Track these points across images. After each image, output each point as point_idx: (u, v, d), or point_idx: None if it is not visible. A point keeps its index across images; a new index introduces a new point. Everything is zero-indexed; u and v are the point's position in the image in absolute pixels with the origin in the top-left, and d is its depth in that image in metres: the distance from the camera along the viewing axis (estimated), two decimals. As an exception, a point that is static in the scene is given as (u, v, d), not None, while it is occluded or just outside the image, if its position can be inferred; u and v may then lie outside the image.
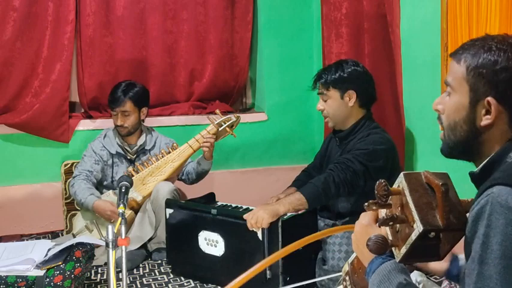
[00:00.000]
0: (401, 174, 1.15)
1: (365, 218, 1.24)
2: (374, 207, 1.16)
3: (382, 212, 1.20)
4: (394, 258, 1.15)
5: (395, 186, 1.16)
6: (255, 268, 1.29)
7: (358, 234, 1.24)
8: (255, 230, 2.32)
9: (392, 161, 2.45)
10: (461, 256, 1.32)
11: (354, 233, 1.27)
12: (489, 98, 1.08)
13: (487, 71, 1.08)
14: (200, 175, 3.16)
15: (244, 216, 2.33)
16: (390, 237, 1.16)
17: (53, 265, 2.25)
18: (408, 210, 1.08)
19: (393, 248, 1.14)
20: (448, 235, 1.08)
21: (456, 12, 2.35)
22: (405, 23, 2.74)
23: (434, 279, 2.49)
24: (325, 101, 2.53)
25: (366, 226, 1.22)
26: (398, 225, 1.13)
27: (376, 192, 1.13)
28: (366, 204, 1.16)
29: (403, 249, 1.09)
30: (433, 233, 1.05)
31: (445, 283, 2.07)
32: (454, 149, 1.17)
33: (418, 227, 1.04)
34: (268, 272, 2.35)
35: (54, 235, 3.37)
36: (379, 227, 1.19)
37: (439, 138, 1.22)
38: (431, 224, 1.05)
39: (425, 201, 1.08)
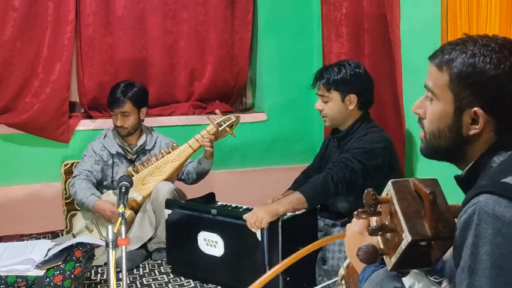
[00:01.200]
0: (390, 182, 1.14)
1: (357, 224, 1.24)
2: (363, 216, 1.16)
3: (373, 219, 1.20)
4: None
5: (383, 194, 1.15)
6: (271, 272, 1.32)
7: (351, 240, 1.24)
8: (254, 230, 2.32)
9: (390, 159, 2.45)
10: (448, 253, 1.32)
11: (346, 239, 1.27)
12: (476, 109, 1.05)
13: (473, 80, 1.05)
14: (200, 175, 3.16)
15: (244, 216, 2.33)
16: (381, 245, 1.15)
17: (53, 265, 2.25)
18: (397, 219, 1.08)
19: (384, 257, 1.14)
20: (438, 243, 1.07)
21: (456, 12, 2.35)
22: (405, 23, 2.74)
23: (434, 279, 2.49)
24: (325, 102, 2.52)
25: (358, 233, 1.22)
26: (388, 234, 1.13)
27: (364, 201, 1.12)
28: (355, 212, 1.16)
29: (394, 258, 1.09)
30: (423, 242, 1.05)
31: (445, 283, 2.07)
32: (435, 153, 1.16)
33: (406, 237, 1.04)
34: (268, 272, 2.34)
35: (54, 235, 3.37)
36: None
37: (419, 137, 1.20)
38: (420, 234, 1.04)
39: (413, 210, 1.07)
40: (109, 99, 3.10)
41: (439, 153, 1.15)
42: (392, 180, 1.14)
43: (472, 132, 1.08)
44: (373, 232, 1.11)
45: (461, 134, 1.09)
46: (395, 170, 2.49)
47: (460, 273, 0.98)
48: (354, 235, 1.23)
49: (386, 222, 1.11)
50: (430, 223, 1.04)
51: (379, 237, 1.17)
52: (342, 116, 2.52)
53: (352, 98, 2.48)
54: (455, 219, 1.06)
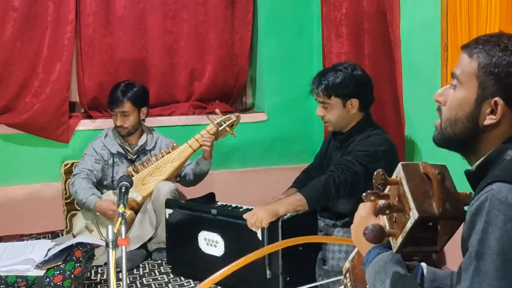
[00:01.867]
0: (400, 164, 1.16)
1: (364, 209, 1.25)
2: (372, 198, 1.17)
3: (380, 203, 1.21)
4: (392, 250, 1.15)
5: (393, 176, 1.17)
6: (246, 258, 1.32)
7: (357, 225, 1.25)
8: (254, 229, 2.31)
9: (392, 162, 2.43)
10: (424, 265, 1.33)
11: (353, 225, 1.29)
12: (497, 98, 1.07)
13: (500, 71, 1.07)
14: (199, 176, 3.15)
15: (244, 216, 2.33)
16: (388, 227, 1.16)
17: (53, 265, 2.25)
18: (405, 199, 1.09)
19: (390, 238, 1.15)
20: (445, 224, 1.08)
21: (456, 12, 2.35)
22: (405, 23, 2.74)
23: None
24: (326, 108, 2.50)
25: (365, 218, 1.23)
26: (395, 214, 1.14)
27: (374, 181, 1.13)
28: (364, 194, 1.17)
29: (400, 239, 1.10)
30: (429, 222, 1.06)
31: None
32: (449, 141, 1.16)
33: (413, 215, 1.05)
34: (268, 272, 2.35)
35: (54, 235, 3.37)
36: (376, 216, 1.19)
37: (434, 125, 1.21)
38: (427, 212, 1.05)
39: (421, 190, 1.08)
40: (109, 99, 3.10)
41: (452, 142, 1.16)
42: (402, 162, 1.16)
43: (488, 122, 1.09)
44: (380, 210, 1.12)
45: (477, 124, 1.10)
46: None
47: (467, 258, 0.99)
48: (361, 219, 1.24)
49: (394, 203, 1.12)
50: (438, 202, 1.05)
51: (386, 220, 1.18)
52: (345, 120, 2.51)
53: (354, 102, 2.46)
54: (465, 207, 1.07)
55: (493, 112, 1.08)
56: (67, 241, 2.42)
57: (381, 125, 2.65)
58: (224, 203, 2.77)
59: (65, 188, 3.35)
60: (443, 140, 1.17)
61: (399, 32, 2.76)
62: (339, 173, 2.33)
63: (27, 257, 2.28)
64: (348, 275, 1.39)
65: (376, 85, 2.62)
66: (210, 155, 3.05)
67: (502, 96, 1.07)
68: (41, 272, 2.22)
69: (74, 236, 3.00)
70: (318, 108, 2.54)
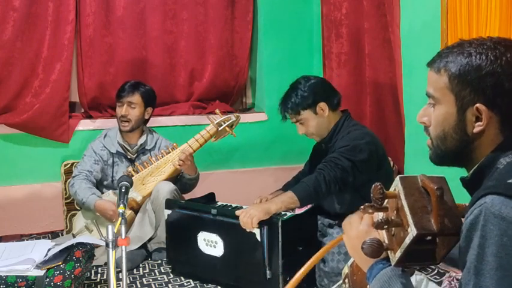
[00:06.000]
0: (398, 177, 1.14)
1: (363, 223, 1.22)
2: (370, 210, 1.16)
3: (379, 216, 1.20)
4: None
5: (391, 189, 1.16)
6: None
7: (355, 240, 1.22)
8: (253, 231, 2.32)
9: (376, 153, 2.50)
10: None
11: (349, 239, 1.26)
12: (478, 105, 1.06)
13: (472, 77, 1.06)
14: (184, 186, 3.13)
15: (237, 213, 2.34)
16: (386, 241, 1.15)
17: (53, 265, 2.25)
18: (403, 213, 1.08)
19: (389, 252, 1.14)
20: (444, 239, 1.07)
21: (456, 12, 2.36)
22: (405, 23, 2.74)
23: (434, 279, 2.49)
24: (303, 124, 2.59)
25: (365, 232, 1.21)
26: (394, 228, 1.13)
27: (372, 195, 1.12)
28: (361, 207, 1.16)
29: (398, 253, 1.09)
30: (428, 237, 1.05)
31: (445, 283, 2.07)
32: (444, 157, 1.16)
33: (412, 231, 1.04)
34: (268, 272, 2.35)
35: (54, 235, 3.37)
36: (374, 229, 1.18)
37: (426, 144, 1.21)
38: (426, 228, 1.04)
39: (420, 205, 1.07)
40: (119, 90, 3.12)
41: (448, 158, 1.16)
42: (400, 175, 1.15)
43: (477, 129, 1.08)
44: (378, 225, 1.11)
45: (466, 133, 1.10)
46: (384, 162, 2.56)
47: (466, 274, 0.99)
48: (359, 233, 1.22)
49: (393, 217, 1.11)
50: (436, 218, 1.04)
51: (384, 234, 1.17)
52: (324, 125, 2.59)
53: (322, 105, 2.55)
54: (462, 219, 1.06)
55: (478, 119, 1.08)
56: (67, 241, 2.42)
57: (381, 124, 2.67)
58: (224, 203, 2.77)
59: (65, 188, 3.35)
60: (439, 158, 1.17)
61: (399, 32, 2.76)
62: (328, 170, 2.38)
63: (27, 257, 2.28)
64: (346, 280, 1.39)
65: (376, 85, 2.63)
66: (192, 170, 3.03)
67: (482, 101, 1.06)
68: (41, 272, 2.22)
69: (74, 236, 3.00)
70: (298, 128, 2.64)
